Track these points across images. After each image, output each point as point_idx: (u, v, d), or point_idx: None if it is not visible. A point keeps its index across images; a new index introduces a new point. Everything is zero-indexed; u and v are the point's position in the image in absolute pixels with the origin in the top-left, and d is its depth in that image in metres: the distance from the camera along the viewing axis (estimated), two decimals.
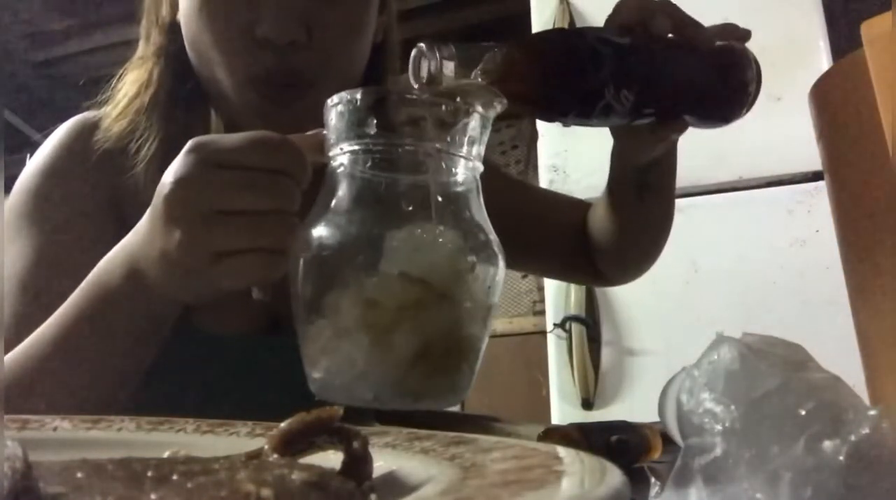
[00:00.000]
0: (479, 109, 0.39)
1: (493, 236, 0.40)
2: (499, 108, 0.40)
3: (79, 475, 0.18)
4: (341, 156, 0.38)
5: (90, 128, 0.68)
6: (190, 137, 0.47)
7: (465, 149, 0.38)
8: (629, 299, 1.61)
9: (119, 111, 0.67)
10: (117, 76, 0.70)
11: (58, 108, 3.03)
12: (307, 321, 0.38)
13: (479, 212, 0.40)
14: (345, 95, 0.38)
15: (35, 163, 0.67)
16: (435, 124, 0.38)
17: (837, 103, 0.59)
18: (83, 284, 0.49)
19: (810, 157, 1.49)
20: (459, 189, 0.39)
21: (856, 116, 0.56)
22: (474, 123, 0.39)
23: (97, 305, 0.48)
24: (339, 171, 0.39)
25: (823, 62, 1.56)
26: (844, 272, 0.62)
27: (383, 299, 0.36)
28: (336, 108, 0.39)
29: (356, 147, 0.38)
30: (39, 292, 0.59)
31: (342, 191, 0.38)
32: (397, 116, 0.38)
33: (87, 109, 0.72)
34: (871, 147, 0.54)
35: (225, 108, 0.66)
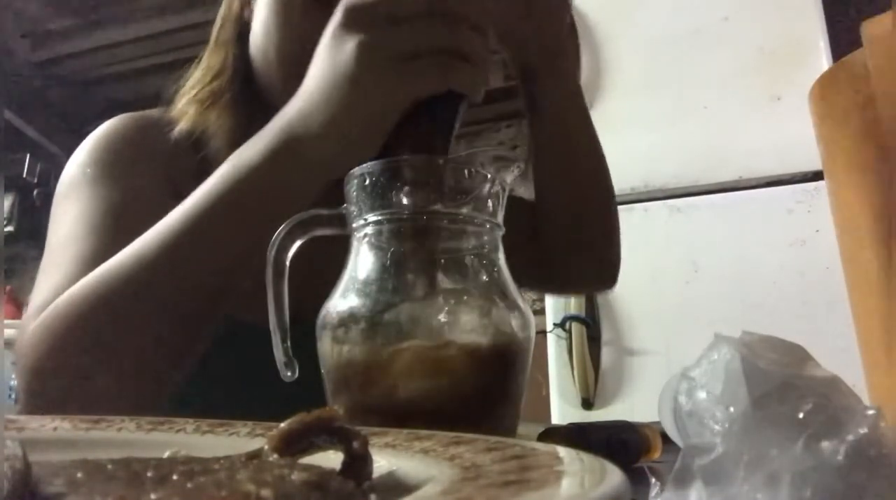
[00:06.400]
0: (498, 173, 0.39)
1: (519, 295, 0.40)
2: (516, 172, 0.40)
3: (79, 475, 0.18)
4: (366, 227, 0.39)
5: (141, 120, 0.70)
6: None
7: (487, 214, 0.39)
8: (629, 299, 1.61)
9: (195, 93, 0.69)
10: (194, 63, 0.72)
11: (58, 108, 3.03)
12: (338, 394, 0.38)
13: (505, 274, 0.40)
14: (366, 167, 0.38)
15: (90, 139, 0.68)
16: (456, 191, 0.38)
17: (837, 103, 0.59)
18: (213, 177, 0.49)
19: (810, 157, 1.50)
20: (484, 253, 0.39)
21: (856, 115, 0.56)
22: (494, 188, 0.39)
23: (237, 185, 0.48)
24: (364, 242, 0.39)
25: (823, 62, 1.56)
26: (844, 272, 0.62)
27: (418, 367, 0.36)
28: (357, 180, 0.39)
29: (380, 218, 0.38)
30: (115, 232, 0.58)
31: (369, 262, 0.38)
32: (419, 186, 0.38)
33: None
34: (871, 147, 0.54)
35: (277, 106, 0.67)
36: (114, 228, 0.59)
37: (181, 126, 0.67)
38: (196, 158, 0.66)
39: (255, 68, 0.67)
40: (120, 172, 0.65)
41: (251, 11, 0.68)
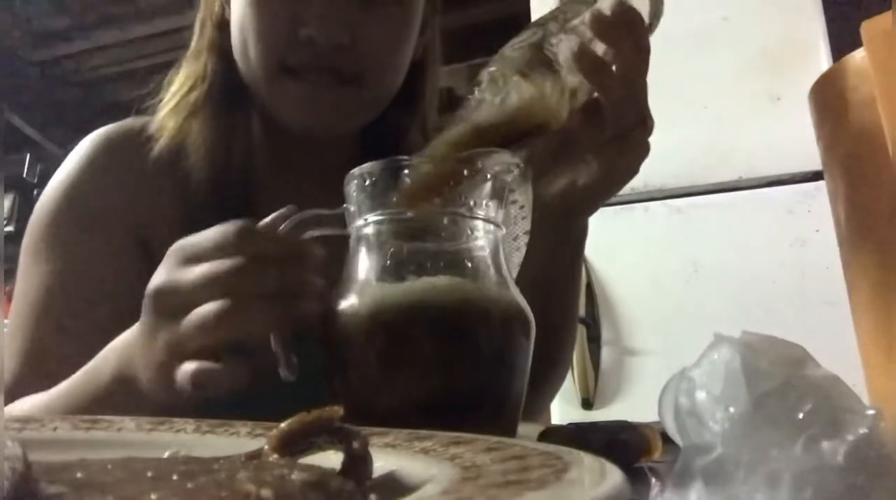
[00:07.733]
0: (497, 173, 0.39)
1: (519, 295, 0.40)
2: (515, 172, 0.40)
3: (79, 475, 0.18)
4: (366, 227, 0.39)
5: (116, 142, 0.67)
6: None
7: (485, 213, 0.39)
8: (629, 299, 1.61)
9: (174, 104, 0.67)
10: (172, 70, 0.70)
11: (58, 108, 3.03)
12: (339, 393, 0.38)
13: (505, 273, 0.40)
14: (365, 167, 0.39)
15: (56, 182, 0.66)
16: (455, 190, 0.38)
17: (837, 103, 0.59)
18: (78, 374, 0.48)
19: (810, 157, 1.49)
20: (483, 253, 0.39)
21: (856, 116, 0.56)
22: (493, 187, 0.39)
23: (87, 403, 0.46)
24: (364, 242, 0.39)
25: (823, 62, 1.56)
26: (844, 272, 0.62)
27: (416, 361, 0.36)
28: (357, 180, 0.39)
29: (380, 218, 0.38)
30: (59, 319, 0.60)
31: (370, 261, 0.39)
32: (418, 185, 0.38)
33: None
34: (871, 147, 0.54)
35: (263, 104, 0.66)
36: (64, 312, 0.60)
37: (161, 143, 0.65)
38: (176, 177, 0.64)
39: (238, 69, 0.64)
40: (82, 235, 0.63)
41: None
